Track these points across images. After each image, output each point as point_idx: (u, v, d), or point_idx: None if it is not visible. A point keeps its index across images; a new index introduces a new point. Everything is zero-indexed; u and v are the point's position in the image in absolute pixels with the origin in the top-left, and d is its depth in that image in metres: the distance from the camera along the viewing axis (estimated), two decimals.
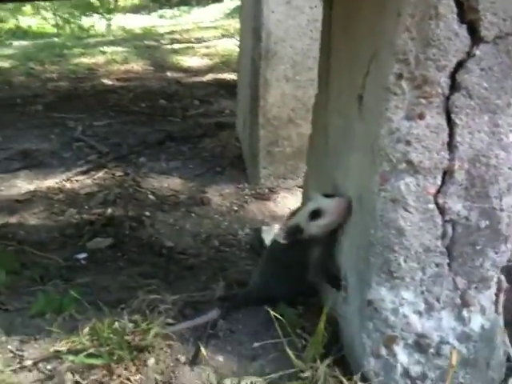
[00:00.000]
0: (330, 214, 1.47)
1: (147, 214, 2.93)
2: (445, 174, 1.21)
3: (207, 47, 8.41)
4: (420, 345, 1.27)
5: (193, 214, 2.98)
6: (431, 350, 1.27)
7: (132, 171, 3.48)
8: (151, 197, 3.15)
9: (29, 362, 1.41)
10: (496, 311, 1.31)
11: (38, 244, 2.54)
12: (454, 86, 1.17)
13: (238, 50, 5.82)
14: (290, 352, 1.36)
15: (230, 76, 6.44)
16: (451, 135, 1.19)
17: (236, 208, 3.06)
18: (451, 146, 1.19)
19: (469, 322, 1.27)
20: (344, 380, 1.30)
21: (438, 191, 1.21)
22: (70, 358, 1.38)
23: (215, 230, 2.84)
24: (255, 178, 3.25)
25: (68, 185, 3.31)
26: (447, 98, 1.17)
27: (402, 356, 1.28)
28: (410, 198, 1.21)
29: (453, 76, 1.16)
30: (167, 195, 3.20)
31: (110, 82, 6.24)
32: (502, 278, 1.29)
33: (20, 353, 1.47)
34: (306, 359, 1.37)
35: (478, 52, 1.14)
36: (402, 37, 1.14)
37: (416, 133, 1.19)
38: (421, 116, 1.18)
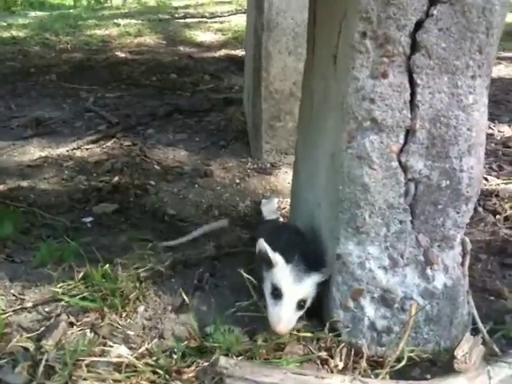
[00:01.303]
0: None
1: (152, 182, 3.04)
2: (407, 133, 1.28)
3: (221, 22, 8.44)
4: (385, 299, 1.37)
5: (196, 185, 3.09)
6: (396, 305, 1.37)
7: (140, 142, 3.60)
8: (157, 167, 3.27)
9: (29, 304, 1.55)
10: (462, 272, 1.40)
11: (47, 207, 2.67)
12: (415, 46, 1.23)
13: None
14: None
15: (242, 52, 6.49)
16: (413, 94, 1.25)
17: (238, 181, 3.16)
18: (413, 105, 1.26)
19: (432, 279, 1.36)
20: (315, 329, 1.41)
21: (401, 150, 1.29)
22: (66, 299, 1.51)
23: (216, 201, 2.95)
24: (258, 152, 3.34)
25: (78, 153, 3.44)
26: (408, 58, 1.23)
27: (369, 309, 1.38)
28: (374, 155, 1.29)
29: (413, 36, 1.22)
30: (172, 166, 3.31)
31: (122, 55, 6.33)
32: (467, 239, 1.38)
33: (21, 296, 1.60)
34: None
35: (435, 12, 1.19)
36: None
37: (380, 91, 1.26)
38: (384, 75, 1.25)
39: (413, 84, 1.26)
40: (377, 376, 1.30)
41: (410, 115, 1.28)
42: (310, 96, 1.83)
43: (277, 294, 1.37)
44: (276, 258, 1.41)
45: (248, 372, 1.14)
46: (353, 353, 1.37)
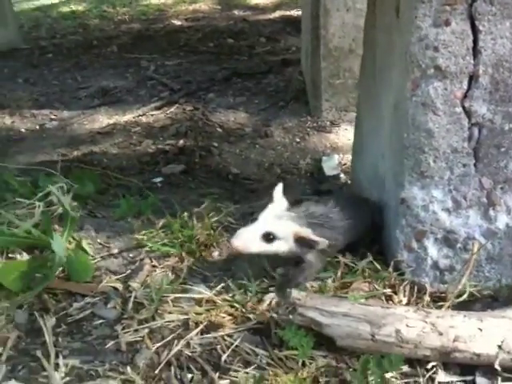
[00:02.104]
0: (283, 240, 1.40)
1: (215, 144, 3.17)
2: (470, 78, 1.31)
3: None
4: (448, 240, 1.42)
5: (257, 146, 3.19)
6: (459, 245, 1.42)
7: (201, 106, 3.71)
8: (219, 129, 3.38)
9: (115, 251, 1.70)
10: None
11: (119, 169, 2.85)
12: None
13: None
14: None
15: (298, 13, 6.43)
16: (475, 41, 1.28)
17: (298, 140, 3.23)
18: (475, 51, 1.29)
19: (495, 220, 1.40)
20: (380, 269, 1.48)
21: (465, 95, 1.32)
22: (149, 244, 1.65)
23: (278, 160, 3.04)
24: (317, 110, 3.38)
25: (144, 119, 3.60)
26: (470, 5, 1.26)
27: (432, 250, 1.44)
28: (438, 101, 1.33)
29: None
30: (233, 128, 3.42)
31: (179, 23, 6.43)
32: None
33: (107, 245, 1.76)
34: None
35: None
36: None
37: (443, 39, 1.29)
38: (447, 22, 1.28)
39: (475, 30, 1.29)
40: (439, 308, 1.36)
41: (473, 61, 1.30)
42: (372, 51, 1.86)
43: (252, 219, 1.44)
44: (276, 194, 1.49)
45: (318, 302, 1.23)
46: (416, 290, 1.44)
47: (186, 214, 1.83)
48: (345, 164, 2.93)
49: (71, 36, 6.10)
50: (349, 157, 3.01)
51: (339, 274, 1.50)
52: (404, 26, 1.41)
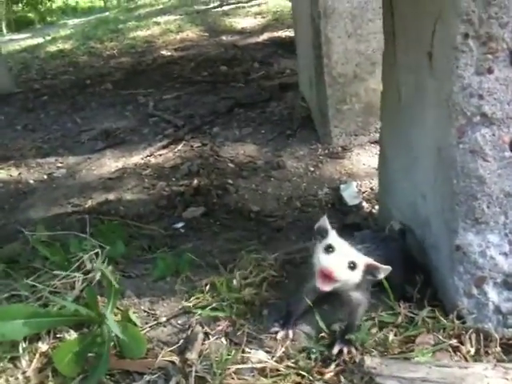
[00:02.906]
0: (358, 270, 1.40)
1: (230, 181, 3.14)
2: None
3: (258, 5, 8.43)
4: (508, 283, 1.40)
5: (272, 178, 3.17)
6: None
7: (208, 141, 3.70)
8: (230, 165, 3.36)
9: (163, 319, 1.66)
10: None
11: (138, 217, 2.81)
12: None
13: (289, 4, 5.82)
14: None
15: (286, 33, 6.49)
16: None
17: (312, 168, 3.21)
18: None
19: None
20: (442, 319, 1.45)
21: None
22: (198, 312, 1.62)
23: (295, 192, 3.01)
24: (327, 137, 3.37)
25: (152, 159, 3.57)
26: None
27: (493, 294, 1.42)
28: (487, 147, 1.32)
29: None
30: (245, 162, 3.40)
31: (169, 53, 6.45)
32: None
33: (153, 312, 1.71)
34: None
35: None
36: None
37: (487, 87, 1.29)
38: (489, 70, 1.28)
39: None
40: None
41: None
42: (394, 88, 1.85)
43: (330, 250, 1.39)
44: (332, 231, 1.45)
45: (395, 369, 1.20)
46: (482, 337, 1.42)
47: (227, 269, 1.81)
48: (364, 191, 2.91)
49: (63, 76, 6.09)
50: (367, 183, 3.01)
51: (400, 326, 1.47)
52: (441, 73, 1.40)
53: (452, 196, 1.40)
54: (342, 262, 1.38)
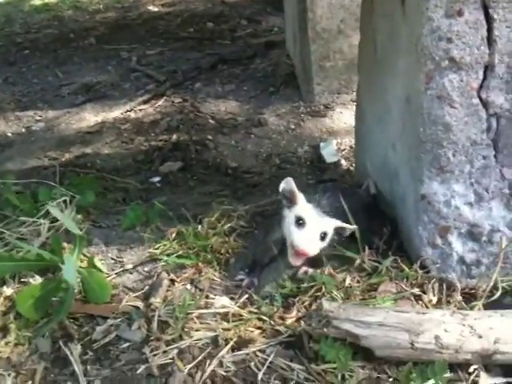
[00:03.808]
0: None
1: (209, 137, 3.10)
2: (486, 68, 1.28)
3: None
4: (473, 233, 1.40)
5: (252, 135, 3.13)
6: (484, 238, 1.40)
7: (190, 97, 3.63)
8: (211, 121, 3.31)
9: (129, 266, 1.65)
10: None
11: (115, 170, 2.78)
12: None
13: None
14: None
15: None
16: (489, 30, 1.24)
17: (293, 126, 3.17)
18: (490, 40, 1.25)
19: None
20: (405, 268, 1.46)
21: (481, 86, 1.29)
22: (164, 258, 1.61)
23: (275, 149, 2.99)
24: (309, 94, 3.32)
25: (132, 114, 3.51)
26: None
27: (457, 245, 1.42)
28: (454, 94, 1.30)
29: None
30: (226, 118, 3.35)
31: (155, 9, 6.27)
32: None
33: (120, 259, 1.71)
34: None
35: None
36: None
37: (456, 30, 1.25)
38: (460, 13, 1.24)
39: (489, 19, 1.25)
40: (472, 308, 1.35)
41: (488, 51, 1.27)
42: (371, 38, 1.81)
43: (301, 223, 1.42)
44: (300, 195, 1.48)
45: (352, 313, 1.20)
46: (444, 287, 1.42)
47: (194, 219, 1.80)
48: (344, 149, 2.90)
49: (46, 30, 5.91)
50: (347, 141, 2.98)
51: (363, 274, 1.47)
52: (412, 16, 1.37)
53: (418, 144, 1.38)
54: (314, 236, 1.42)
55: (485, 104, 1.31)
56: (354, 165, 2.62)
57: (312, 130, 3.15)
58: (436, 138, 1.34)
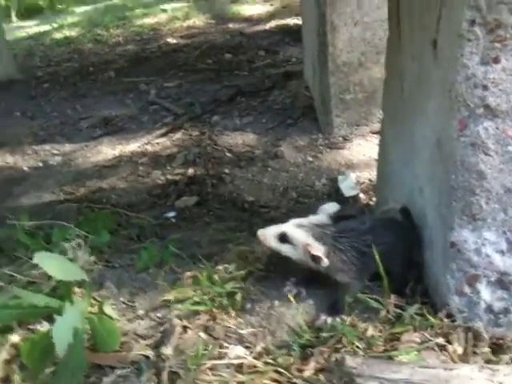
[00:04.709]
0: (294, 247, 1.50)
1: (226, 171, 3.06)
2: None
3: None
4: (502, 282, 1.32)
5: (269, 168, 3.09)
6: None
7: (207, 130, 3.62)
8: (228, 154, 3.28)
9: (141, 312, 1.59)
10: None
11: (129, 205, 2.75)
12: None
13: None
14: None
15: (294, 21, 6.35)
16: None
17: (311, 159, 3.12)
18: None
19: None
20: (430, 318, 1.37)
21: None
22: (178, 306, 1.54)
23: (292, 182, 2.93)
24: (328, 127, 3.28)
25: (149, 148, 3.50)
26: None
27: (485, 293, 1.34)
28: (489, 141, 1.24)
29: None
30: (243, 151, 3.31)
31: (174, 41, 6.34)
32: None
33: (132, 304, 1.65)
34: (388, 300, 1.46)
35: None
36: None
37: (492, 77, 1.20)
38: (496, 60, 1.19)
39: None
40: (500, 361, 1.26)
41: None
42: (398, 76, 1.77)
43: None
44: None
45: (377, 370, 1.12)
46: (471, 336, 1.34)
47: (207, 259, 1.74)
48: (363, 183, 2.83)
49: (66, 63, 6.01)
50: (366, 175, 2.92)
51: (387, 322, 1.39)
52: (445, 61, 1.32)
53: (450, 191, 1.32)
54: (273, 232, 1.52)
55: None
56: (373, 199, 2.55)
57: (330, 163, 3.09)
58: (469, 185, 1.28)
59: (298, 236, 1.48)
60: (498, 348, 1.33)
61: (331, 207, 1.75)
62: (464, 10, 1.18)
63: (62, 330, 1.33)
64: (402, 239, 1.59)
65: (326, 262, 1.44)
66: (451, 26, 1.26)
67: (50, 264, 1.51)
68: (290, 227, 1.51)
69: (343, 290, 1.50)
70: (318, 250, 1.44)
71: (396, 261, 1.53)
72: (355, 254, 1.49)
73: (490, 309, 1.36)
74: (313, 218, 1.58)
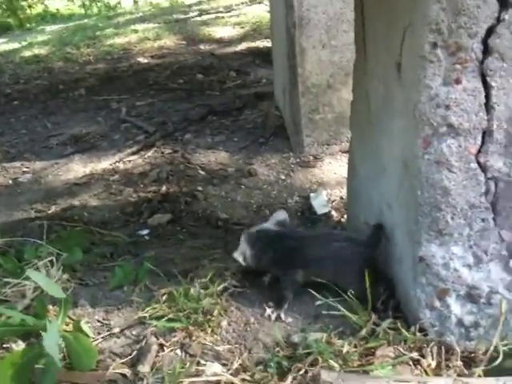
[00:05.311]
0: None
1: (199, 188, 3.08)
2: (484, 133, 1.28)
3: (237, 15, 8.39)
4: (471, 296, 1.37)
5: (242, 186, 3.12)
6: (482, 300, 1.37)
7: (180, 148, 3.63)
8: (201, 172, 3.30)
9: (116, 330, 1.58)
10: None
11: (102, 223, 2.73)
12: (487, 51, 1.22)
13: (268, 15, 5.83)
14: (346, 311, 1.49)
15: (264, 43, 6.46)
16: (487, 97, 1.25)
17: (283, 177, 3.17)
18: (488, 107, 1.26)
19: None
20: (404, 332, 1.41)
21: (479, 151, 1.29)
22: (153, 323, 1.55)
23: (265, 200, 2.97)
24: (299, 146, 3.34)
25: (121, 165, 3.49)
26: (481, 62, 1.23)
27: (455, 307, 1.38)
28: (452, 158, 1.29)
29: (485, 41, 1.22)
30: (216, 169, 3.34)
31: (145, 61, 6.36)
32: None
33: (107, 322, 1.64)
34: (363, 315, 1.49)
35: (506, 17, 1.19)
36: (434, 8, 1.21)
37: (454, 97, 1.26)
38: (457, 81, 1.25)
39: (487, 87, 1.26)
40: (473, 374, 1.30)
41: (486, 117, 1.27)
42: (364, 97, 1.82)
43: None
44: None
45: None
46: (443, 350, 1.38)
47: (187, 278, 1.75)
48: (334, 200, 2.88)
49: (36, 81, 5.96)
50: (336, 192, 2.98)
51: (362, 336, 1.42)
52: (409, 83, 1.38)
53: (416, 207, 1.37)
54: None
55: (483, 168, 1.31)
56: (345, 216, 2.61)
57: (302, 181, 3.15)
58: (434, 201, 1.33)
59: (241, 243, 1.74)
60: (470, 361, 1.37)
61: (279, 215, 1.91)
62: (426, 33, 1.23)
63: (52, 345, 1.32)
64: (353, 253, 1.66)
65: (240, 262, 1.72)
66: (414, 49, 1.31)
67: (42, 280, 1.51)
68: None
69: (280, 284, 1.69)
70: (236, 253, 1.73)
71: (344, 271, 1.62)
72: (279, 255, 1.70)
73: (460, 322, 1.40)
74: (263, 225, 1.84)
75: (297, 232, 2.00)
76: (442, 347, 1.38)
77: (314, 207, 2.84)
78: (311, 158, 3.32)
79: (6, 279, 1.75)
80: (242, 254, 1.72)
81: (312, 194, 2.96)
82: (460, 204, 1.32)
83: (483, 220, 1.33)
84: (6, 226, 2.77)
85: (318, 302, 1.54)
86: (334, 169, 3.21)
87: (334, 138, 3.33)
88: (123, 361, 1.45)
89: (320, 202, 2.88)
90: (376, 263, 1.67)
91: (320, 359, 1.33)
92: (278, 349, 1.44)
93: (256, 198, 3.01)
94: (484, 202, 1.31)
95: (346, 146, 3.23)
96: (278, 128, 3.73)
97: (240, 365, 1.40)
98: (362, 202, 1.95)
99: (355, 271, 1.57)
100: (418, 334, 1.40)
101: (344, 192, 2.85)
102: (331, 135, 3.32)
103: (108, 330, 1.58)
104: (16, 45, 8.52)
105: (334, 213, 2.76)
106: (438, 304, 1.39)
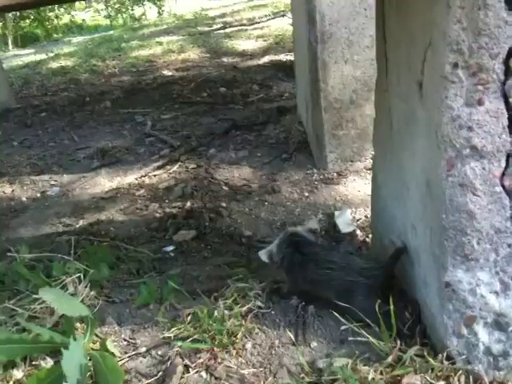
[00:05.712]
0: None
1: (223, 204, 3.10)
2: (508, 156, 1.26)
3: (260, 28, 8.46)
4: (499, 323, 1.35)
5: (266, 203, 3.12)
6: (510, 328, 1.35)
7: (204, 163, 3.66)
8: (225, 187, 3.32)
9: (142, 349, 1.60)
10: None
11: (128, 239, 2.76)
12: (509, 72, 1.21)
13: (291, 28, 5.87)
14: (371, 338, 1.48)
15: (287, 57, 6.50)
16: (510, 118, 1.24)
17: (307, 194, 3.17)
18: (511, 129, 1.24)
19: None
20: (431, 359, 1.40)
21: (503, 174, 1.27)
22: (179, 343, 1.56)
23: (289, 217, 2.96)
24: (322, 162, 3.34)
25: (147, 180, 3.54)
26: (503, 83, 1.22)
27: (483, 335, 1.36)
28: (477, 182, 1.28)
29: (506, 62, 1.21)
30: (239, 185, 3.36)
31: (169, 73, 6.45)
32: None
33: (133, 341, 1.66)
34: (388, 341, 1.48)
35: None
36: (454, 28, 1.20)
37: (477, 118, 1.25)
38: (480, 102, 1.24)
39: (509, 108, 1.25)
40: None
41: (509, 139, 1.26)
42: (386, 115, 1.82)
43: None
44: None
45: None
46: (471, 380, 1.36)
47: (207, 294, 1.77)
48: (359, 219, 2.87)
49: (63, 92, 6.09)
50: (361, 211, 2.96)
51: (388, 363, 1.42)
52: (431, 103, 1.37)
53: (441, 230, 1.35)
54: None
55: (508, 192, 1.30)
56: (370, 236, 2.59)
57: (326, 198, 3.14)
58: (459, 225, 1.32)
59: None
60: None
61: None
62: (447, 52, 1.23)
63: (70, 365, 1.34)
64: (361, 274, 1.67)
65: (264, 259, 1.92)
66: (435, 69, 1.31)
67: (55, 300, 1.53)
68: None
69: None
70: (263, 253, 1.93)
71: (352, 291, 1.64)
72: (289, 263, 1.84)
73: (488, 351, 1.37)
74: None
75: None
76: (470, 376, 1.36)
77: (338, 225, 2.83)
78: (335, 174, 3.31)
79: (34, 295, 1.79)
80: (269, 251, 1.90)
81: (336, 212, 2.95)
82: (485, 228, 1.30)
83: (509, 245, 1.31)
84: (35, 239, 2.83)
85: (343, 327, 1.54)
86: (358, 186, 3.20)
87: (358, 155, 3.32)
88: (149, 381, 1.47)
89: (344, 221, 2.86)
90: (398, 285, 1.67)
91: None
92: (302, 375, 1.44)
93: (280, 215, 3.01)
94: (510, 226, 1.30)
95: (370, 162, 3.23)
96: (301, 143, 3.73)
97: None
98: (386, 221, 1.94)
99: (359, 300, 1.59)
100: (446, 362, 1.39)
101: (369, 211, 2.83)
102: (355, 151, 3.31)
103: (134, 350, 1.60)
104: (43, 56, 8.73)
105: (358, 232, 2.74)
106: (465, 331, 1.37)
